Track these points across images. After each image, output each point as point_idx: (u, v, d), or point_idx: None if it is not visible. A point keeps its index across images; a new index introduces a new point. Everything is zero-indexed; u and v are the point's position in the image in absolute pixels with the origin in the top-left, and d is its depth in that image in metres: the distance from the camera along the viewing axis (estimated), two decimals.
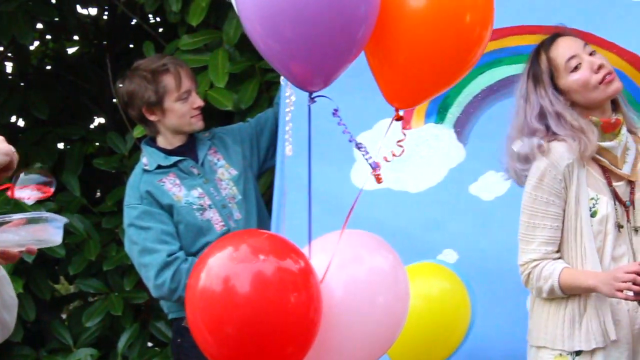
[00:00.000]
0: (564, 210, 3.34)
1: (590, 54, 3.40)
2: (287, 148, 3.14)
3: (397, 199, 4.04)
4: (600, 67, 3.35)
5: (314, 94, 2.73)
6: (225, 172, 4.24)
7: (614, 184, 3.36)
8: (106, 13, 6.05)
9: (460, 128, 4.01)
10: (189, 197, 4.16)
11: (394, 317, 2.87)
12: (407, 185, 4.04)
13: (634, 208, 3.35)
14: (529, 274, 3.34)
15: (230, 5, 4.77)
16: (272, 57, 2.73)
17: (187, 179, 4.19)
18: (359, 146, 2.83)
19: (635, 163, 3.38)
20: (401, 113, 2.83)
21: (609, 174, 3.36)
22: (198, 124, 4.21)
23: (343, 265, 2.82)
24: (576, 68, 3.37)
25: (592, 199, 3.33)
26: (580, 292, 3.29)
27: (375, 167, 2.80)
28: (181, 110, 4.16)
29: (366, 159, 2.80)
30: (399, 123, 3.96)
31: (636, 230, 3.34)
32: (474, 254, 3.95)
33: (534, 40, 3.87)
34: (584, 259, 3.31)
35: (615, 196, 3.34)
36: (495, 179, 3.93)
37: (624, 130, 3.38)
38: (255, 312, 2.62)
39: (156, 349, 5.41)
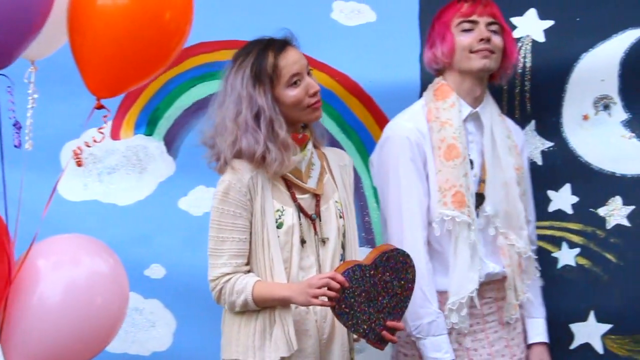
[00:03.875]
0: (251, 223, 3.35)
1: (308, 73, 3.41)
2: (28, 143, 3.06)
3: (106, 211, 3.98)
4: (315, 92, 3.37)
5: None
6: None
7: (299, 197, 3.39)
8: None
9: (171, 141, 3.98)
10: None
11: (113, 316, 3.02)
12: (116, 198, 3.98)
13: (320, 220, 3.40)
14: (220, 289, 3.33)
15: None
16: None
17: None
18: (15, 125, 2.94)
19: (321, 178, 3.44)
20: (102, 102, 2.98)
21: (293, 188, 3.40)
22: None
23: (63, 267, 2.96)
24: (295, 84, 3.37)
25: (278, 210, 3.35)
26: (275, 304, 3.30)
27: (18, 137, 2.97)
28: None
29: (21, 140, 2.94)
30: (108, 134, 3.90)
31: (323, 242, 3.39)
32: (181, 270, 3.94)
33: None
34: (272, 269, 3.33)
35: (300, 209, 3.39)
36: (205, 194, 3.92)
37: (309, 146, 3.42)
38: None
39: None
